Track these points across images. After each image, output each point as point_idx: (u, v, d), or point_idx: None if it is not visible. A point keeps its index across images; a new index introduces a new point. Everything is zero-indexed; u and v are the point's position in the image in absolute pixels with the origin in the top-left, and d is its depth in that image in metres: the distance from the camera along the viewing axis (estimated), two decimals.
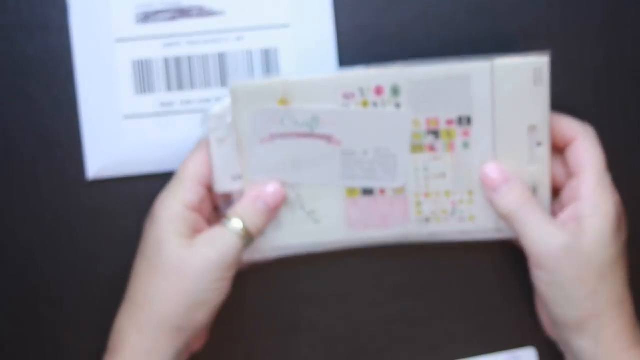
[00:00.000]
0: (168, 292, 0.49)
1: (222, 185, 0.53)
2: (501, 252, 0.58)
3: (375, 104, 0.51)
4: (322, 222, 0.54)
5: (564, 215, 0.51)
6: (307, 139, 0.52)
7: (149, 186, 0.56)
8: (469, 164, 0.53)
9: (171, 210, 0.50)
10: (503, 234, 0.54)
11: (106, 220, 0.57)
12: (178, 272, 0.49)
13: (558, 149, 0.53)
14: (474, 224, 0.54)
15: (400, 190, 0.54)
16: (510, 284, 0.58)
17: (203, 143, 0.53)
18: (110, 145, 0.56)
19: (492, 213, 0.54)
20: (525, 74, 0.51)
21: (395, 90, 0.51)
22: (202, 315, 0.51)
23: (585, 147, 0.51)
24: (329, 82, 0.51)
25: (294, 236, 0.55)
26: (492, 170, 0.52)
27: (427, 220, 0.54)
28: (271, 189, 0.53)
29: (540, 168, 0.52)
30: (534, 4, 0.57)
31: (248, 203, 0.52)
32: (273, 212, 0.53)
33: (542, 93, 0.51)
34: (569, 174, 0.52)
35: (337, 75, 0.52)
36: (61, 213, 0.57)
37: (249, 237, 0.51)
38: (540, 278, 0.51)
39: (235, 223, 0.51)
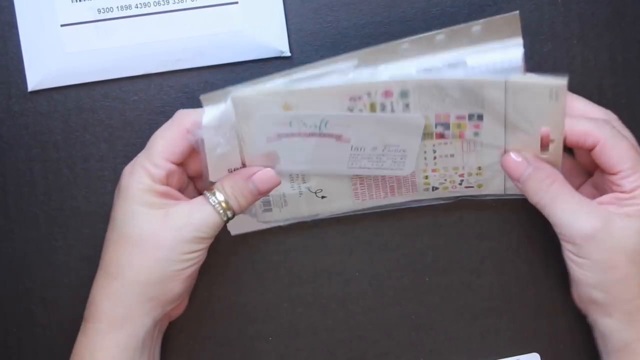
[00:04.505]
0: (140, 264, 0.49)
1: (217, 177, 0.51)
2: (505, 256, 0.58)
3: (383, 105, 0.49)
4: (329, 198, 0.54)
5: (605, 198, 0.50)
6: (315, 137, 0.51)
7: (92, 96, 0.55)
8: (479, 147, 0.52)
9: (140, 183, 0.49)
10: (512, 192, 0.54)
11: (48, 131, 0.55)
12: (150, 244, 0.49)
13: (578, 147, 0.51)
14: (482, 190, 0.54)
15: None
16: (513, 288, 0.58)
17: (177, 117, 0.51)
18: (49, 56, 0.54)
19: (500, 181, 0.53)
20: (541, 92, 0.48)
21: (404, 94, 0.49)
22: (176, 285, 0.50)
23: (612, 148, 0.49)
24: (335, 90, 0.49)
25: (299, 209, 0.55)
26: (512, 160, 0.51)
27: (434, 189, 0.54)
28: (267, 174, 0.51)
29: (553, 158, 0.51)
30: (538, 3, 0.56)
31: (239, 180, 0.51)
32: (261, 195, 0.52)
33: (558, 108, 0.49)
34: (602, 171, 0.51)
35: (344, 84, 0.49)
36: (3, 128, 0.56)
37: (229, 214, 0.50)
38: (571, 259, 0.50)
39: (218, 197, 0.50)
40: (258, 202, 0.54)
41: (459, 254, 0.57)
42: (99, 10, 0.53)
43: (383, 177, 0.54)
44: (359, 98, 0.49)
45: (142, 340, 0.50)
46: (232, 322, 0.57)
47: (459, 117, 0.50)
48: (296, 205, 0.54)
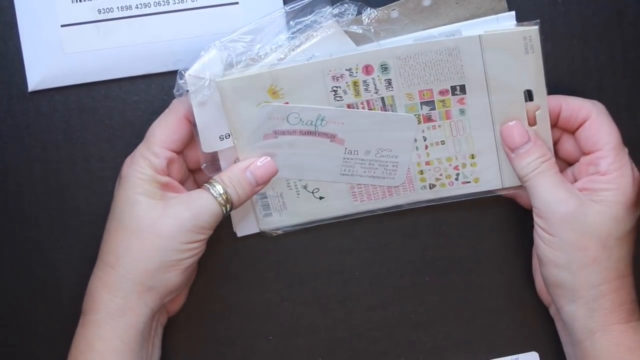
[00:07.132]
0: (139, 251, 0.49)
1: (210, 145, 0.52)
2: (504, 255, 0.58)
3: (366, 84, 0.51)
4: (327, 199, 0.55)
5: (579, 183, 0.51)
6: (311, 136, 0.52)
7: (92, 96, 0.55)
8: (468, 128, 0.53)
9: (141, 174, 0.50)
10: (510, 185, 0.54)
11: (50, 130, 0.55)
12: (149, 232, 0.49)
13: (570, 130, 0.52)
14: (479, 185, 0.55)
15: None
16: (513, 288, 0.58)
17: (174, 106, 0.51)
18: (49, 56, 0.54)
19: (496, 172, 0.54)
20: (515, 44, 0.50)
21: (384, 68, 0.50)
22: (174, 276, 0.50)
23: (601, 123, 0.50)
24: (316, 67, 0.50)
25: (299, 214, 0.55)
26: (513, 129, 0.52)
27: (432, 187, 0.55)
28: (263, 162, 0.52)
29: (541, 129, 0.52)
30: (538, 3, 0.56)
31: (236, 171, 0.51)
32: (260, 186, 0.52)
33: (535, 60, 0.50)
34: (582, 152, 0.52)
35: (323, 60, 0.50)
36: (4, 128, 0.55)
37: (228, 205, 0.51)
38: (543, 237, 0.51)
39: (217, 187, 0.50)
40: (258, 207, 0.54)
41: (459, 253, 0.57)
42: (99, 11, 0.53)
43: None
44: (341, 77, 0.50)
45: (141, 332, 0.50)
46: (233, 321, 0.57)
47: (442, 92, 0.51)
48: (295, 208, 0.54)
